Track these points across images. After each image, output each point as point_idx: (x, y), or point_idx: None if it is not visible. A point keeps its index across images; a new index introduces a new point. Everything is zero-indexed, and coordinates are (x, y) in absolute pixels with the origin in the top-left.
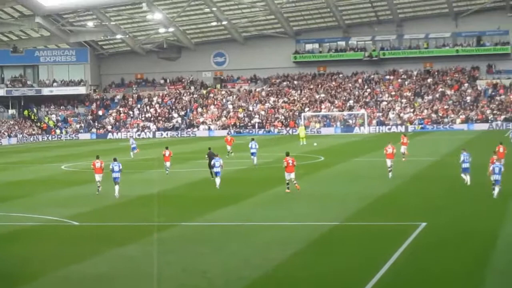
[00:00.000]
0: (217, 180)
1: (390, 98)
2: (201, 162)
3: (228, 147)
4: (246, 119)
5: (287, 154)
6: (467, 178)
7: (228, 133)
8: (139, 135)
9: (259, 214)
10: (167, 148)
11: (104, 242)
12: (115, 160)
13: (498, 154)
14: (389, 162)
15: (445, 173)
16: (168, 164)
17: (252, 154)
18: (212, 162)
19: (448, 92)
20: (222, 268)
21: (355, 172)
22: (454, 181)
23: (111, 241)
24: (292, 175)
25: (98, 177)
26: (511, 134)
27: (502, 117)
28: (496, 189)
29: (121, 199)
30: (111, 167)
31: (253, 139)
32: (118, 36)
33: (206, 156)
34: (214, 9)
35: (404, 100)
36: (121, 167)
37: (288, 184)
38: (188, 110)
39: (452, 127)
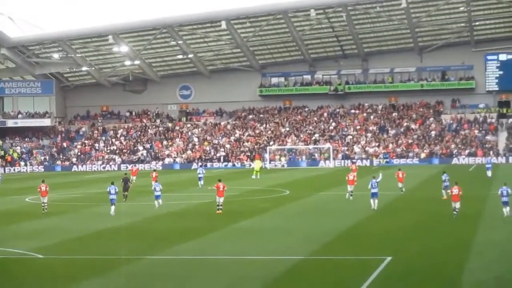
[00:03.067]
0: (157, 203)
1: (355, 132)
2: (166, 195)
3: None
4: (212, 152)
5: (219, 180)
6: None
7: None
8: (104, 167)
9: (224, 248)
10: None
11: (68, 276)
12: (112, 183)
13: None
14: (349, 188)
15: (410, 206)
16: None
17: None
18: (153, 187)
19: (413, 126)
20: None
21: (320, 205)
22: (419, 214)
23: (76, 275)
24: (221, 200)
25: (44, 199)
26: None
27: (466, 151)
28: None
29: (85, 232)
30: (108, 189)
31: (201, 166)
32: (84, 68)
33: (122, 180)
34: (180, 42)
35: (369, 134)
36: (117, 190)
37: (218, 206)
38: (153, 143)
39: (417, 161)
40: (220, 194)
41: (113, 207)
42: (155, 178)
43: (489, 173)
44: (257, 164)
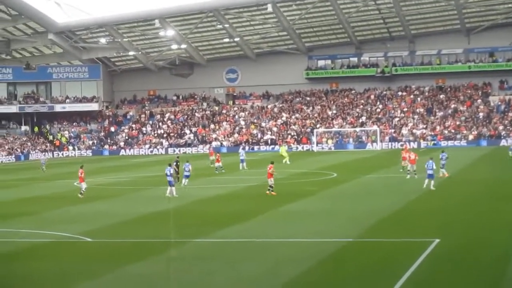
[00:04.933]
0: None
1: (402, 114)
2: (212, 179)
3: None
4: (259, 135)
5: (272, 162)
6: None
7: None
8: (151, 151)
9: (271, 231)
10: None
11: (116, 259)
12: (169, 165)
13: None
14: (411, 167)
15: (458, 189)
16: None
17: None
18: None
19: (461, 108)
20: (234, 286)
21: (367, 188)
22: (466, 196)
23: (124, 258)
24: (272, 180)
25: (81, 185)
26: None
27: None
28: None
29: (132, 216)
30: (165, 171)
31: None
32: (131, 53)
33: (174, 163)
34: (227, 25)
35: (416, 116)
36: (172, 172)
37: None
38: (201, 126)
39: (464, 143)
40: (269, 175)
41: (170, 188)
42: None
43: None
44: (282, 151)
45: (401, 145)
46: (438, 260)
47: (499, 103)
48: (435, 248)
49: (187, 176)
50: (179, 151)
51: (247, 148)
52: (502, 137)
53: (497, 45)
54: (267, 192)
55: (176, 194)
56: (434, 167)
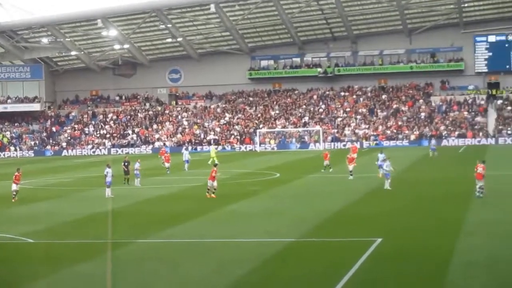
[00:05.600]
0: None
1: (345, 115)
2: (156, 179)
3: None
4: (202, 135)
5: (215, 165)
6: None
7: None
8: (93, 152)
9: (215, 231)
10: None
11: (59, 260)
12: (108, 166)
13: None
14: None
15: (400, 188)
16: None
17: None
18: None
19: (403, 108)
20: (177, 287)
21: (311, 188)
22: (410, 195)
23: (67, 259)
24: (214, 183)
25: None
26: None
27: (456, 133)
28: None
29: (75, 216)
30: (105, 172)
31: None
32: (73, 53)
33: (123, 163)
34: (169, 25)
35: (359, 117)
36: (112, 173)
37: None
38: (143, 127)
39: (406, 143)
40: (211, 178)
41: (108, 190)
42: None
43: (431, 154)
44: (212, 151)
45: (344, 145)
46: (380, 259)
47: (441, 103)
48: (377, 247)
49: (138, 175)
50: (122, 151)
51: (190, 148)
52: (443, 137)
53: (439, 45)
54: (207, 194)
55: (112, 195)
56: (391, 167)
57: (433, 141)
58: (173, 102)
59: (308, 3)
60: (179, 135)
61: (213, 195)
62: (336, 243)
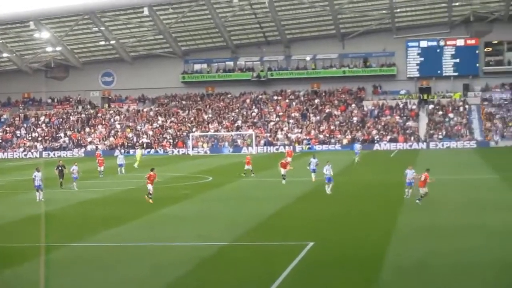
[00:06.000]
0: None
1: (277, 119)
2: (89, 183)
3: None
4: (134, 139)
5: (152, 169)
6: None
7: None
8: (25, 155)
9: (147, 235)
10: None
11: None
12: (37, 170)
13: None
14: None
15: (333, 192)
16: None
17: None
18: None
19: (335, 112)
20: None
21: (243, 192)
22: (342, 199)
23: None
24: (150, 187)
25: None
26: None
27: (388, 137)
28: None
29: (6, 220)
30: (33, 176)
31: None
32: (5, 55)
33: (57, 167)
34: (102, 28)
35: (292, 121)
36: (41, 177)
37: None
38: (76, 130)
39: (339, 147)
40: (150, 182)
41: (38, 193)
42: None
43: (356, 158)
44: (138, 155)
45: (277, 149)
46: (312, 263)
47: (373, 107)
48: (309, 252)
49: (76, 178)
50: (54, 154)
51: (122, 151)
52: (375, 141)
53: (371, 50)
54: (146, 196)
55: (42, 198)
56: (331, 172)
57: (358, 145)
58: (106, 105)
59: (241, 7)
60: (111, 139)
61: (150, 200)
62: (268, 247)
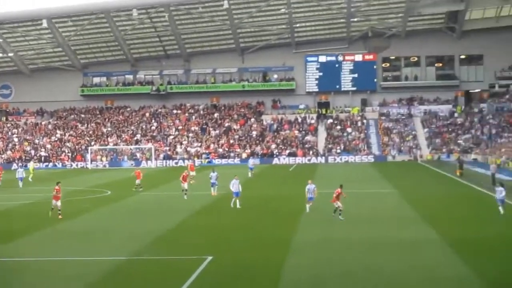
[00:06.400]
0: None
1: (177, 132)
2: None
3: None
4: (32, 152)
5: (58, 183)
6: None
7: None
8: None
9: (46, 250)
10: None
11: None
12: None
13: None
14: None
15: (229, 205)
16: None
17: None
18: None
19: (235, 126)
20: None
21: (142, 206)
22: (241, 214)
23: None
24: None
25: None
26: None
27: (287, 151)
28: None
29: None
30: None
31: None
32: None
33: None
34: (0, 40)
35: (191, 134)
36: None
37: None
38: None
39: (238, 161)
40: (55, 198)
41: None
42: None
43: (249, 174)
44: (31, 168)
45: (176, 163)
46: (210, 277)
47: (272, 122)
48: (208, 266)
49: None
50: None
51: (21, 165)
52: (274, 155)
53: (271, 65)
54: (50, 212)
55: None
56: (240, 187)
57: (251, 161)
58: (3, 118)
59: (141, 21)
60: (9, 152)
61: (60, 216)
62: (166, 261)
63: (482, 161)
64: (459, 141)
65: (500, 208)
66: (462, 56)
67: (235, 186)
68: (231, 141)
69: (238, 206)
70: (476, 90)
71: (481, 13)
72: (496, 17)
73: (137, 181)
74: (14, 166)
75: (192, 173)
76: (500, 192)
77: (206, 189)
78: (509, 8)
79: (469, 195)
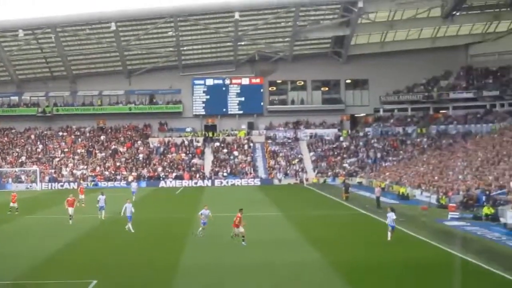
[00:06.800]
0: None
1: (63, 155)
2: None
3: None
4: None
5: None
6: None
7: None
8: None
9: None
10: None
11: None
12: None
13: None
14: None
15: (117, 229)
16: None
17: None
18: None
19: (121, 149)
20: None
21: (26, 229)
22: (127, 237)
23: None
24: None
25: None
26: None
27: (174, 174)
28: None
29: None
30: None
31: None
32: None
33: None
34: None
35: (77, 157)
36: None
37: None
38: None
39: (124, 184)
40: None
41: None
42: None
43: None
44: None
45: (62, 186)
46: None
47: (158, 144)
48: None
49: None
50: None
51: None
52: (161, 178)
53: (158, 87)
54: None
55: None
56: (133, 210)
57: (134, 184)
58: None
59: (27, 41)
60: None
61: None
62: (50, 285)
63: (367, 185)
64: (344, 165)
65: (389, 234)
66: (348, 81)
67: (128, 209)
68: (118, 164)
69: (132, 230)
70: (362, 114)
71: (367, 38)
72: (381, 43)
73: (12, 204)
74: None
75: (81, 196)
76: (390, 217)
77: (94, 212)
78: (394, 33)
79: (354, 218)
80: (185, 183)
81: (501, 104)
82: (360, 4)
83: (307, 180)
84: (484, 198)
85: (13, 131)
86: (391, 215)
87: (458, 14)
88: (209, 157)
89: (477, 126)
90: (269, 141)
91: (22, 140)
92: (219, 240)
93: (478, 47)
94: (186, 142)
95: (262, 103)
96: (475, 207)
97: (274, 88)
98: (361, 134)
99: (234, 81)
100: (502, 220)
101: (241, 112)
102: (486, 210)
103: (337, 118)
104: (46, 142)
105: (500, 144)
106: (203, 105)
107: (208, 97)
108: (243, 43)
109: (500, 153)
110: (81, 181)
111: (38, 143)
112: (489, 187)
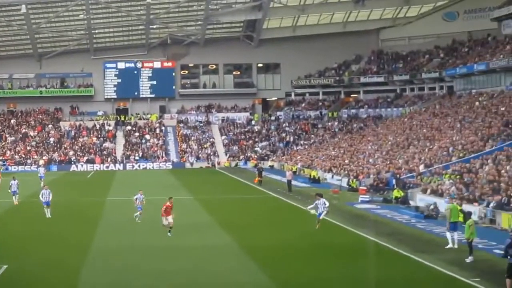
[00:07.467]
0: None
1: None
2: None
3: None
4: None
5: None
6: None
7: None
8: None
9: None
10: None
11: None
12: None
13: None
14: None
15: (30, 214)
16: None
17: None
18: None
19: (32, 133)
20: None
21: None
22: (41, 222)
23: None
24: None
25: None
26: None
27: (85, 158)
28: None
29: None
30: None
31: None
32: None
33: None
34: None
35: None
36: None
37: None
38: None
39: (35, 168)
40: None
41: None
42: None
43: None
44: None
45: None
46: (5, 285)
47: (70, 128)
48: (2, 275)
49: None
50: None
51: None
52: (72, 162)
53: (69, 71)
54: None
55: None
56: (51, 197)
57: (41, 169)
58: None
59: None
60: None
61: None
62: None
63: (279, 168)
64: (256, 149)
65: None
66: (260, 65)
67: (45, 195)
68: (28, 148)
69: (48, 215)
70: (273, 98)
71: (279, 22)
72: (292, 27)
73: None
74: None
75: None
76: (322, 204)
77: (6, 196)
78: (305, 18)
79: (266, 201)
80: (97, 167)
81: (411, 89)
82: None
83: (219, 163)
84: (394, 181)
85: None
86: (322, 201)
87: None
88: (120, 141)
89: (387, 110)
90: (181, 124)
91: None
92: (132, 224)
93: (388, 32)
94: (97, 126)
95: (174, 87)
96: (385, 190)
97: (186, 72)
98: (272, 118)
99: (146, 64)
100: (411, 203)
101: (153, 95)
102: (396, 193)
103: (249, 102)
104: None
105: (410, 128)
106: (115, 88)
107: (119, 80)
108: (155, 26)
109: (409, 137)
110: None
111: None
112: (399, 171)
